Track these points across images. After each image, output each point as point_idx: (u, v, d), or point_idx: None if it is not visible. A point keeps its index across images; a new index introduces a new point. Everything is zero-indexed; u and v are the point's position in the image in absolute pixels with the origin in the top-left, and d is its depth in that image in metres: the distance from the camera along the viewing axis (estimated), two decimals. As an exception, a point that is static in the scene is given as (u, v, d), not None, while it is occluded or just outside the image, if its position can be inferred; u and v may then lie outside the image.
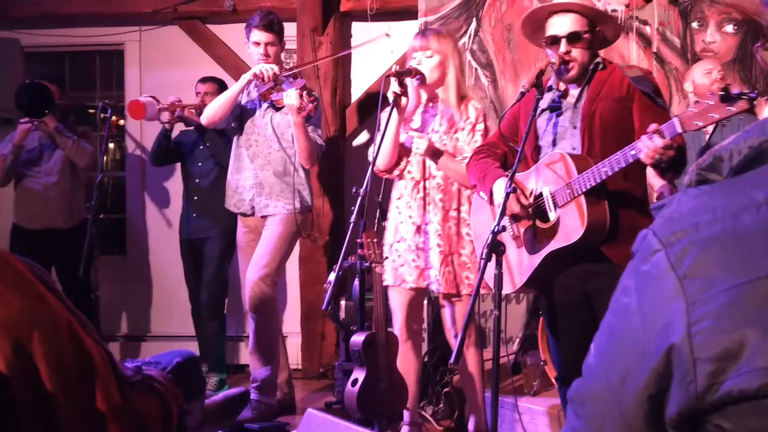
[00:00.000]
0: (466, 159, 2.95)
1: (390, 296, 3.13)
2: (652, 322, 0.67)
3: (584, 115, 2.42)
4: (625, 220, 2.34)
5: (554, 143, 2.48)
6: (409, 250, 3.05)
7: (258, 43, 3.63)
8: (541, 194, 2.45)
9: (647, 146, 2.15)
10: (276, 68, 3.55)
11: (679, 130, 2.08)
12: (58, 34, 4.94)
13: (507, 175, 2.40)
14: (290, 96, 3.39)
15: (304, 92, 3.41)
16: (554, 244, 2.38)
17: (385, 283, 3.06)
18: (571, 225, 2.33)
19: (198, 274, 4.32)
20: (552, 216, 2.40)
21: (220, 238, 4.21)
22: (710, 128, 3.74)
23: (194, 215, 4.24)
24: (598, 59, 2.49)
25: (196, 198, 4.26)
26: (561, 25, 2.45)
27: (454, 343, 3.07)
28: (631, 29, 4.03)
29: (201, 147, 4.21)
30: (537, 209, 2.46)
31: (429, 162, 3.03)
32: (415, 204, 3.05)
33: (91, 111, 5.20)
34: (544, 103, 2.52)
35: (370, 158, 3.11)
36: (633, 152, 2.19)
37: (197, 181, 4.25)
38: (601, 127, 2.40)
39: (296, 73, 3.69)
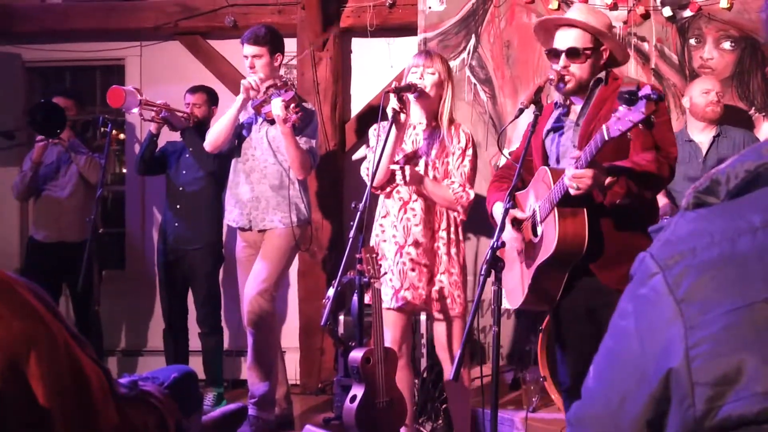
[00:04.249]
0: (453, 183, 3.00)
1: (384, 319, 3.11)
2: (651, 346, 0.67)
3: (582, 135, 2.43)
4: (618, 240, 2.35)
5: (557, 162, 2.51)
6: (388, 270, 3.03)
7: (246, 57, 3.67)
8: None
9: (566, 176, 2.21)
10: (262, 75, 3.59)
11: (606, 137, 2.07)
12: (59, 49, 4.97)
13: (503, 199, 2.43)
14: (275, 106, 3.44)
15: (292, 104, 3.44)
16: (539, 258, 2.42)
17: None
18: (548, 238, 2.37)
19: (182, 287, 4.29)
20: (539, 231, 2.44)
21: (208, 252, 4.20)
22: (707, 143, 3.75)
23: (176, 224, 4.22)
24: (600, 75, 2.49)
25: (178, 206, 4.23)
26: (563, 39, 2.48)
27: (444, 361, 3.09)
28: (630, 46, 4.05)
29: (186, 155, 4.20)
30: (533, 225, 2.49)
31: None
32: (401, 225, 3.05)
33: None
34: (550, 122, 2.54)
35: (363, 173, 3.12)
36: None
37: (181, 189, 4.24)
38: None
39: (289, 85, 3.71)
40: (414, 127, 3.11)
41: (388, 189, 3.09)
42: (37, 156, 4.31)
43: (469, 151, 3.06)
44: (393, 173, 3.05)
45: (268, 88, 3.61)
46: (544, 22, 2.57)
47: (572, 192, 2.22)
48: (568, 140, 2.49)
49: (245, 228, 3.74)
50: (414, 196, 3.05)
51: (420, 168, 3.03)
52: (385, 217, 3.10)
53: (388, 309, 3.05)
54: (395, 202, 3.07)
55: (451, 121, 3.08)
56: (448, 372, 3.06)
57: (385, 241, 3.08)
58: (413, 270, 3.01)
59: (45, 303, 1.16)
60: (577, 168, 2.18)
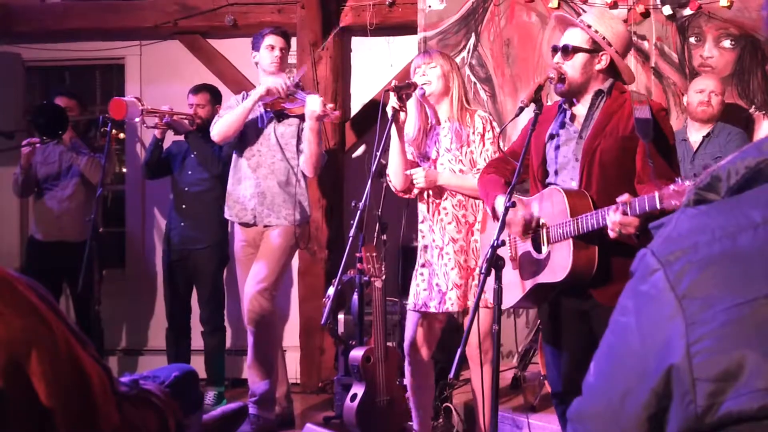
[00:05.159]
0: (480, 171, 2.94)
1: (409, 317, 3.07)
2: (652, 342, 0.67)
3: (585, 151, 2.37)
4: (619, 265, 2.30)
5: (557, 172, 2.46)
6: (434, 275, 2.99)
7: (272, 47, 3.67)
8: (539, 223, 2.45)
9: (610, 219, 2.15)
10: (287, 84, 3.60)
11: (657, 206, 2.02)
12: (59, 49, 4.97)
13: (503, 192, 2.41)
14: (314, 102, 3.45)
15: (326, 102, 3.49)
16: (541, 278, 2.39)
17: (408, 307, 3.03)
18: (558, 264, 2.33)
19: (186, 287, 4.30)
20: (544, 249, 2.40)
21: (213, 251, 4.21)
22: (698, 140, 3.74)
23: (182, 224, 4.24)
24: (602, 87, 2.42)
25: (184, 206, 4.24)
26: (564, 37, 2.46)
27: (473, 358, 3.00)
28: (630, 44, 4.05)
29: (192, 156, 4.21)
30: (535, 237, 2.46)
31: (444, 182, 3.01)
32: (437, 226, 3.02)
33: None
34: (554, 126, 2.50)
35: (389, 180, 3.09)
36: (601, 221, 2.19)
37: (186, 189, 4.25)
38: (600, 167, 2.35)
39: (302, 85, 3.74)
40: (434, 128, 3.07)
41: (416, 191, 3.05)
42: (25, 162, 4.31)
43: (488, 135, 3.00)
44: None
45: (287, 89, 3.62)
46: (559, 19, 2.58)
47: (612, 235, 2.17)
48: (570, 152, 2.43)
49: (249, 223, 3.73)
50: (444, 195, 3.01)
51: (445, 166, 3.00)
52: (422, 222, 3.07)
53: (438, 312, 2.98)
54: (430, 205, 3.04)
55: (465, 110, 3.03)
56: (475, 370, 3.00)
57: (427, 246, 3.03)
58: (453, 269, 2.97)
59: (46, 301, 1.16)
60: (624, 213, 2.12)
